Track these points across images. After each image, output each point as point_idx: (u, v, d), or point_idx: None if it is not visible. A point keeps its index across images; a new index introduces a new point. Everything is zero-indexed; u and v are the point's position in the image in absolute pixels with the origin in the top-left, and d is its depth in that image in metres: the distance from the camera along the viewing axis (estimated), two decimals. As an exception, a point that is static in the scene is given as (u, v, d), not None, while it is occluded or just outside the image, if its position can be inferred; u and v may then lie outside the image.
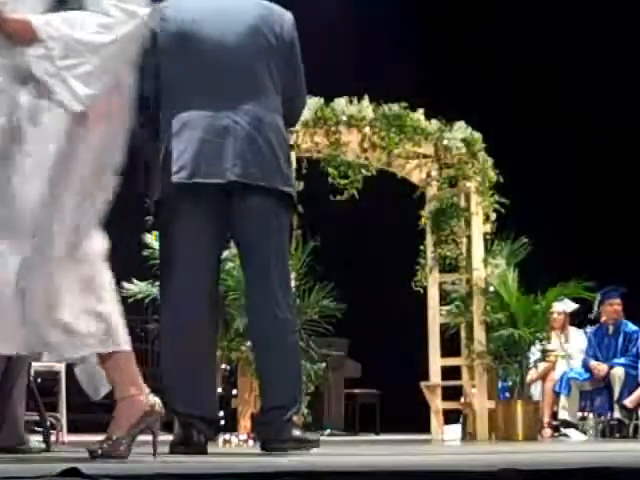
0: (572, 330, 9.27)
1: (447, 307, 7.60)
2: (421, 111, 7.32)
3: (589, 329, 9.17)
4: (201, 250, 3.96)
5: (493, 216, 7.57)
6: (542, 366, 8.46)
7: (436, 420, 7.62)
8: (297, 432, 3.91)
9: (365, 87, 7.34)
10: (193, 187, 3.90)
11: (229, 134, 3.89)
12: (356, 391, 10.40)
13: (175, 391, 3.96)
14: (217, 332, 4.24)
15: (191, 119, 3.92)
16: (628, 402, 8.39)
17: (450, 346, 7.65)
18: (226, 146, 3.88)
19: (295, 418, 4.05)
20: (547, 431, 8.68)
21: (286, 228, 4.06)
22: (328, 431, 9.07)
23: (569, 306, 9.00)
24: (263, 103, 3.97)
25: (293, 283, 5.48)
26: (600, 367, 8.59)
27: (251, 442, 6.19)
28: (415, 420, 8.30)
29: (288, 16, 4.12)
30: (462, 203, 7.63)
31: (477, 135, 7.59)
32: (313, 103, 6.71)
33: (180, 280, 3.96)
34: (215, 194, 3.91)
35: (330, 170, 6.93)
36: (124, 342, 3.07)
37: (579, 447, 6.19)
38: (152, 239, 6.87)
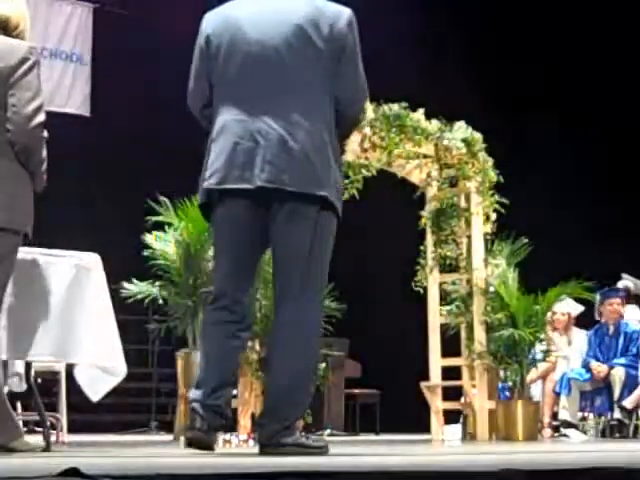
0: (576, 331, 9.25)
1: (447, 307, 7.59)
2: (421, 111, 7.31)
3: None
4: (232, 253, 3.99)
5: (493, 216, 7.57)
6: (542, 366, 8.46)
7: (436, 420, 7.61)
8: (298, 438, 3.83)
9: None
10: (225, 192, 3.91)
11: (262, 138, 3.85)
12: (356, 391, 10.40)
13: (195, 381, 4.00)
14: (247, 333, 4.21)
15: (228, 123, 3.91)
16: (627, 403, 8.38)
17: (450, 346, 7.64)
18: (257, 151, 3.84)
19: (297, 423, 3.96)
20: (547, 431, 8.67)
21: (321, 231, 3.93)
22: (328, 431, 9.07)
23: (574, 308, 8.98)
24: (302, 106, 3.87)
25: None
26: (600, 367, 8.58)
27: (251, 442, 6.19)
28: (415, 420, 8.29)
29: (344, 16, 3.95)
30: (462, 203, 7.62)
31: (477, 135, 7.57)
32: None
33: (217, 282, 4.05)
34: (249, 199, 3.90)
35: (330, 170, 6.92)
36: None
37: (579, 447, 6.18)
38: (152, 239, 6.87)
